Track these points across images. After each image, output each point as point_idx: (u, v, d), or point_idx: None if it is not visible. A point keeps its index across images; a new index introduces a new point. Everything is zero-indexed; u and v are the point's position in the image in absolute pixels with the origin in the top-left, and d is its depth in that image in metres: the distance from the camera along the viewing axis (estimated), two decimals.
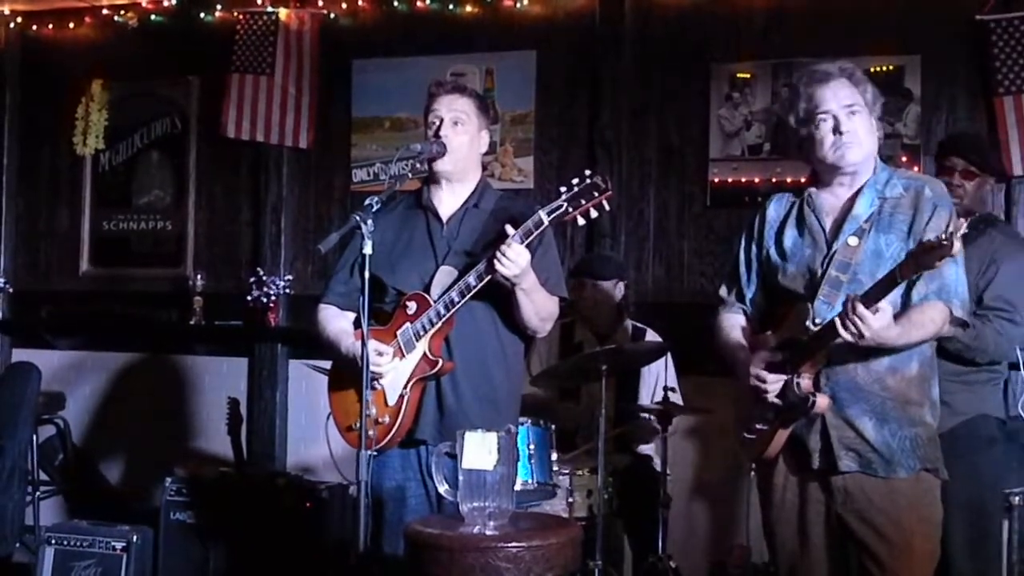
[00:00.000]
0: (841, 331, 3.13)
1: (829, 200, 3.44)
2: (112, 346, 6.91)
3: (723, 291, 3.66)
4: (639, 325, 5.26)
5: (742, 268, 3.59)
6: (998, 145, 5.28)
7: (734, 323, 3.60)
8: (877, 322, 3.10)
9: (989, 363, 4.17)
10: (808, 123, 3.39)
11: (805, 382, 3.31)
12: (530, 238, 3.51)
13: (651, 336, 5.19)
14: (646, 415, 4.97)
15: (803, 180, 3.64)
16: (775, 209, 3.55)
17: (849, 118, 3.34)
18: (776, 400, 3.35)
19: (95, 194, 7.06)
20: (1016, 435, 4.65)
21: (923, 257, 3.00)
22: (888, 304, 3.13)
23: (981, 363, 4.12)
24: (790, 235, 3.47)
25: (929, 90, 5.51)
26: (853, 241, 3.32)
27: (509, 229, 3.50)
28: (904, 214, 3.34)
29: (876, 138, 3.42)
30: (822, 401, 3.29)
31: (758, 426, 3.44)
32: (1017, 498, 4.72)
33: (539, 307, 3.70)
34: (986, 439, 4.20)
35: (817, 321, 3.27)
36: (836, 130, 3.34)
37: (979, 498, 4.10)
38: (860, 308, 3.08)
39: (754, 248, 3.56)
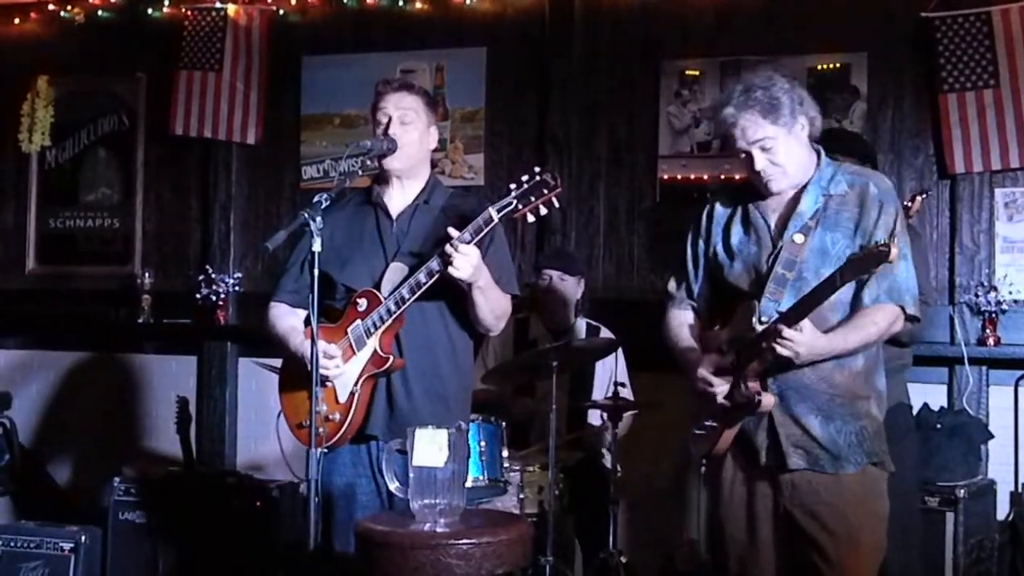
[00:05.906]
0: (782, 353, 3.18)
1: (774, 197, 3.46)
2: (59, 345, 6.85)
3: (671, 286, 3.68)
4: (593, 323, 5.27)
5: (689, 264, 3.61)
6: (940, 142, 5.38)
7: (683, 321, 3.61)
8: (804, 338, 3.16)
9: (908, 343, 4.38)
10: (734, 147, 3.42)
11: (752, 382, 3.33)
12: (480, 235, 3.51)
13: (605, 334, 5.20)
14: (597, 418, 4.98)
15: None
16: (722, 206, 3.57)
17: (762, 153, 3.35)
18: (724, 402, 3.38)
19: (41, 191, 6.97)
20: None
21: (862, 262, 3.05)
22: (807, 321, 3.17)
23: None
24: (736, 232, 3.49)
25: (875, 87, 5.58)
26: (799, 238, 3.35)
27: (452, 232, 3.50)
28: (850, 212, 3.37)
29: (804, 148, 3.40)
30: (767, 400, 3.32)
31: (708, 423, 3.47)
32: (962, 491, 4.82)
33: (494, 305, 3.71)
34: (904, 428, 4.38)
35: (764, 319, 3.29)
36: (753, 167, 3.37)
37: (903, 487, 4.16)
38: (786, 331, 3.14)
39: (701, 244, 3.58)
